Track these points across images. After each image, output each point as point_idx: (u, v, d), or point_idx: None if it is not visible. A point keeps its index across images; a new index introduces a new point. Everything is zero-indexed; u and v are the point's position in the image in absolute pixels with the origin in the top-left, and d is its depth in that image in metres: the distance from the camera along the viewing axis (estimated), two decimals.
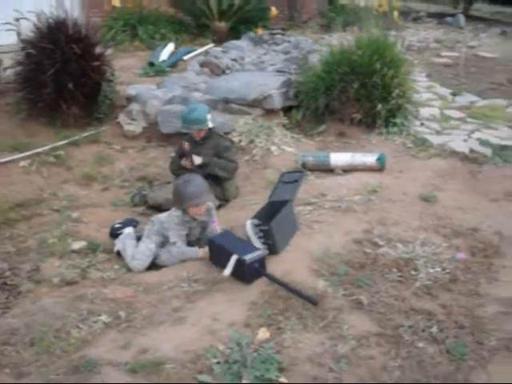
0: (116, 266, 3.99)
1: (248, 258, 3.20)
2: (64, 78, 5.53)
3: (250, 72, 6.70)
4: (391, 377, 2.58)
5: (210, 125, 4.80)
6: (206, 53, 7.94)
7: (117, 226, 4.29)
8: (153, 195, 4.83)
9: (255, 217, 3.59)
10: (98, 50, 5.91)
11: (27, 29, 5.72)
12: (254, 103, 5.86)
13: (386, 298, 3.12)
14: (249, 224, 3.43)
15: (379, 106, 5.44)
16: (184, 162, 4.83)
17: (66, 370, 2.65)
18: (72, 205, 4.81)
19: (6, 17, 6.88)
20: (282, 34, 9.58)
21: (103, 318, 3.11)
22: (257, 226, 3.42)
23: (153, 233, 3.99)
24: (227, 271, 3.23)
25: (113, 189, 5.23)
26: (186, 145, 4.81)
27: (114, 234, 4.25)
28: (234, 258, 3.21)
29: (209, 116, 4.78)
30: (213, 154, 4.80)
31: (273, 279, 3.18)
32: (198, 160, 4.75)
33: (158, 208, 4.70)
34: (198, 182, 3.92)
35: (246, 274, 3.23)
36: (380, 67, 5.35)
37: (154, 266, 3.95)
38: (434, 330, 2.88)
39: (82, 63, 5.62)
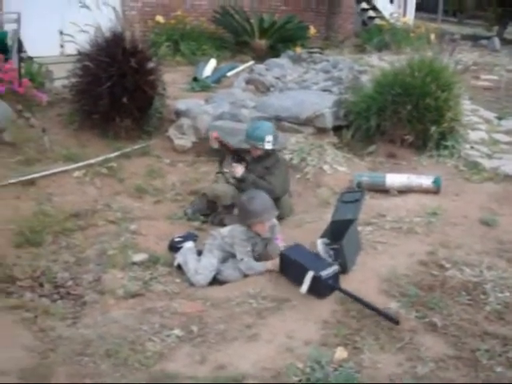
0: (177, 280, 4.00)
1: (324, 274, 3.23)
2: (119, 92, 5.61)
3: (301, 91, 6.74)
4: None
5: (268, 146, 4.70)
6: (251, 70, 8.01)
7: (177, 239, 4.30)
8: (213, 186, 4.89)
9: (322, 236, 3.60)
10: (151, 64, 5.99)
11: (83, 41, 5.81)
12: (306, 122, 5.89)
13: (459, 321, 3.12)
14: (320, 243, 3.45)
15: (432, 129, 5.43)
16: (228, 169, 4.88)
17: (147, 383, 2.68)
18: (126, 217, 4.84)
19: (64, 29, 7.13)
20: (320, 53, 9.62)
21: (176, 331, 3.14)
22: (327, 244, 3.43)
23: (215, 247, 4.01)
24: (304, 288, 3.23)
25: (165, 202, 5.26)
26: (239, 167, 4.78)
27: (174, 247, 4.25)
28: (310, 275, 3.22)
29: (269, 137, 4.67)
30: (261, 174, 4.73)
31: (350, 295, 3.20)
32: (238, 172, 4.71)
33: (213, 206, 4.83)
34: (263, 199, 3.94)
35: (321, 289, 3.25)
36: (434, 89, 5.35)
37: (215, 280, 3.97)
38: (511, 354, 2.87)
39: (137, 77, 5.70)
